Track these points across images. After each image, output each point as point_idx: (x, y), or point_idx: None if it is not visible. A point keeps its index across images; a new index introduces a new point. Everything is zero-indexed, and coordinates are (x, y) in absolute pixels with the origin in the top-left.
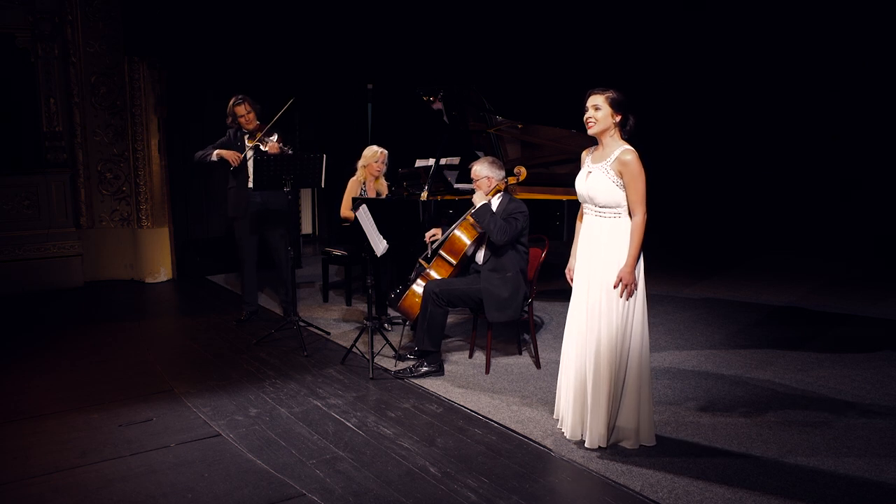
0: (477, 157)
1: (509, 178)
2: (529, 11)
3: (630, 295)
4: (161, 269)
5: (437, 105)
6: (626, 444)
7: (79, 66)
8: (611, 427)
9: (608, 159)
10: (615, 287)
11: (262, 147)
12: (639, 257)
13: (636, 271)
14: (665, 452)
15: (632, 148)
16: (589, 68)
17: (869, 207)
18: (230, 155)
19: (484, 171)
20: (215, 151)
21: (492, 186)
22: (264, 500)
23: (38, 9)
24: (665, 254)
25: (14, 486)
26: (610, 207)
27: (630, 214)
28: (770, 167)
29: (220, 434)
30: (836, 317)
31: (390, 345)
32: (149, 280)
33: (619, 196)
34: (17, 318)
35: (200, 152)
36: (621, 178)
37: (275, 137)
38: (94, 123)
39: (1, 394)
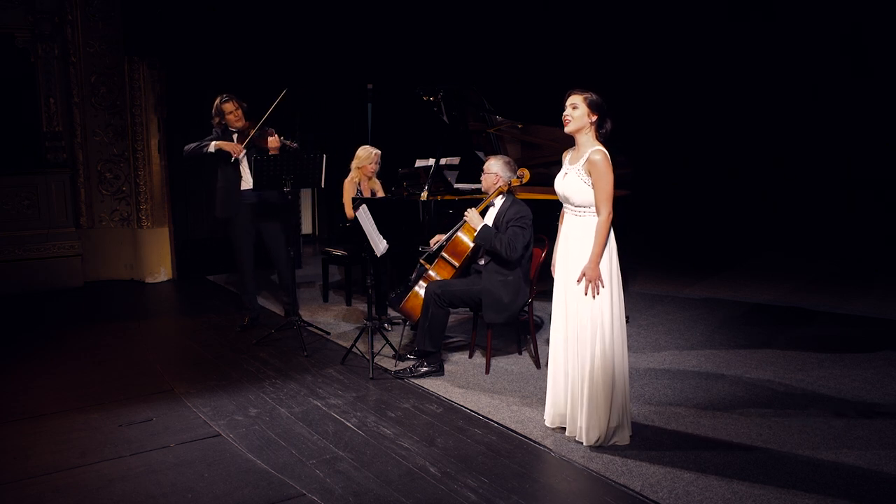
0: (477, 157)
1: (512, 179)
2: (529, 12)
3: (596, 290)
4: (161, 268)
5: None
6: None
7: (79, 65)
8: (610, 426)
9: (581, 160)
10: (578, 282)
11: (261, 143)
12: (602, 254)
13: (608, 268)
14: (665, 452)
15: (603, 149)
16: (590, 68)
17: (871, 207)
18: (231, 146)
19: (496, 167)
20: (213, 143)
21: (497, 185)
22: (264, 500)
23: (38, 9)
24: (666, 253)
25: (14, 486)
26: (584, 206)
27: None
28: (771, 166)
29: (220, 434)
30: (837, 316)
31: (390, 345)
32: (149, 280)
33: (591, 195)
34: (17, 318)
35: (192, 145)
36: (590, 176)
37: (273, 134)
38: (94, 123)
39: (1, 394)
